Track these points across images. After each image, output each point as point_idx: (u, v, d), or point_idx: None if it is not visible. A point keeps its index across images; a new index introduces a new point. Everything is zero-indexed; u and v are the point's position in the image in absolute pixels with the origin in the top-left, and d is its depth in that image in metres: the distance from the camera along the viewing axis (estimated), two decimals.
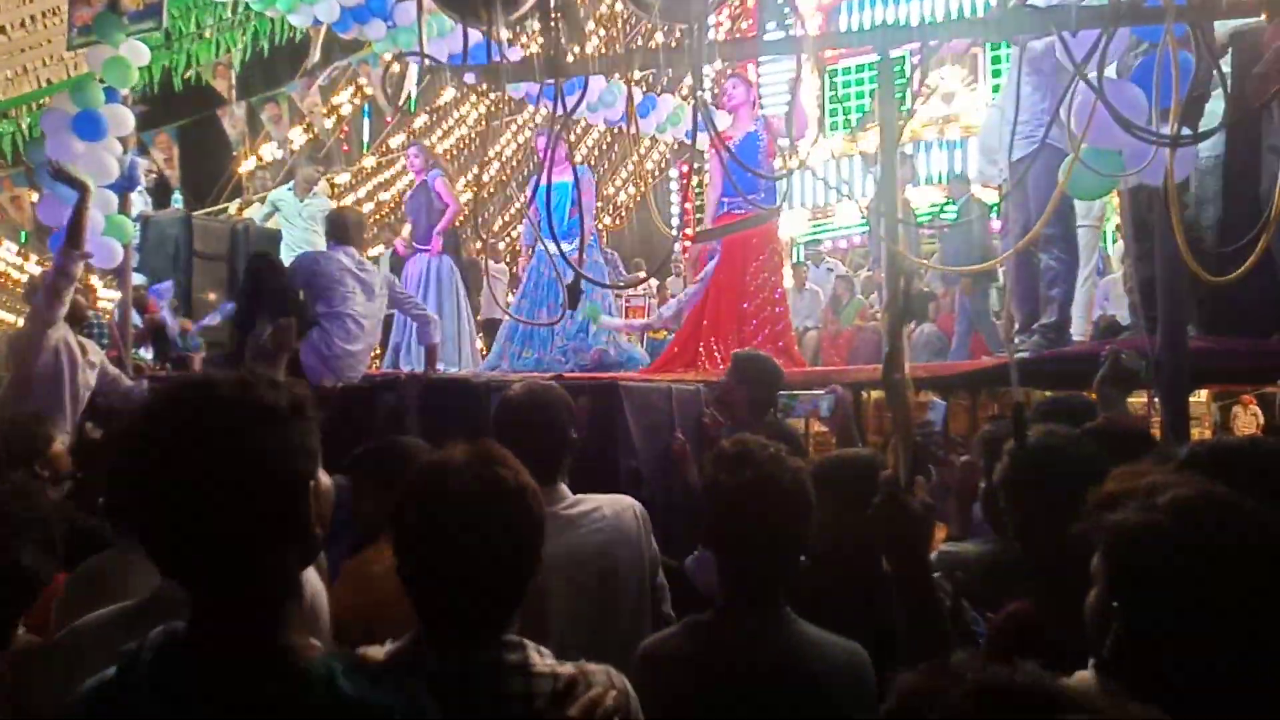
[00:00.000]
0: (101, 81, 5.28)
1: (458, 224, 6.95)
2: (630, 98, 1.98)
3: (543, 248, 5.27)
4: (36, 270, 11.40)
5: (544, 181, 1.67)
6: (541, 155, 4.03)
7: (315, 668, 0.96)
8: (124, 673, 1.04)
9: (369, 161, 13.27)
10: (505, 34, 1.62)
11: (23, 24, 8.97)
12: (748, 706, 1.52)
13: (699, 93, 1.62)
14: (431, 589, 1.30)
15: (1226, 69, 3.16)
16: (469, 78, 1.64)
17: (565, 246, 4.56)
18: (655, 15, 1.57)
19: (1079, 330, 5.32)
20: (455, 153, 13.23)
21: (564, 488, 2.05)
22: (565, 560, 1.86)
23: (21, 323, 10.07)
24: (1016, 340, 4.00)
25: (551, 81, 1.62)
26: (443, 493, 1.31)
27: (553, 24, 1.61)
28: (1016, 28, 1.70)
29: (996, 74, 9.53)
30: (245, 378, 1.03)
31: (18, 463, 2.37)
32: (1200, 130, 2.40)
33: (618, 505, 2.11)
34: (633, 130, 7.35)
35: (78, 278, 4.00)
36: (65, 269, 3.93)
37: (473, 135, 12.96)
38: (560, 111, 1.66)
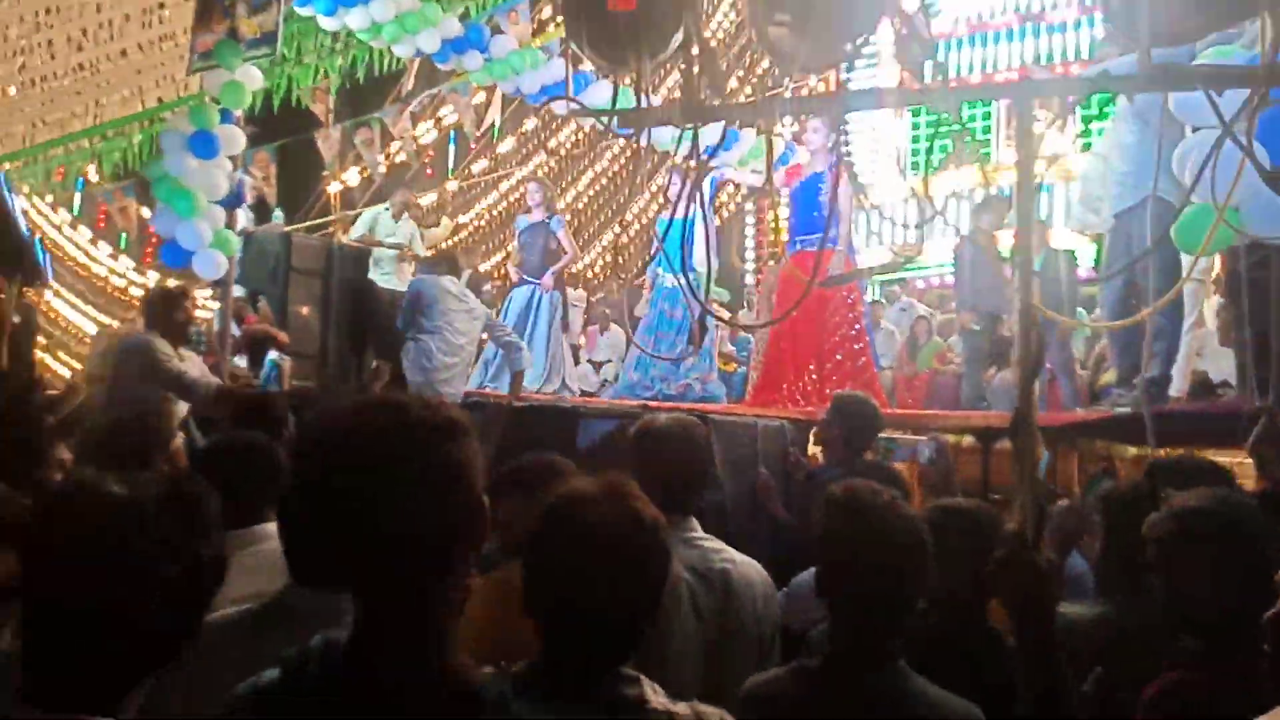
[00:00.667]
0: (216, 103, 5.56)
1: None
2: (770, 145, 2.00)
3: (665, 283, 5.40)
4: (126, 274, 11.98)
5: (679, 214, 1.70)
6: (674, 195, 4.14)
7: (487, 689, 0.98)
8: (289, 679, 1.07)
9: (451, 185, 13.62)
10: (646, 79, 1.67)
11: (140, 47, 9.46)
12: None
13: (840, 138, 1.64)
14: (561, 620, 1.31)
15: None
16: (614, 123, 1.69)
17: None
18: (796, 67, 1.60)
19: (1176, 386, 5.16)
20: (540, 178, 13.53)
21: (694, 520, 2.07)
22: (692, 581, 1.88)
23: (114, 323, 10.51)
24: (1115, 394, 3.90)
25: (690, 126, 1.67)
26: (580, 525, 1.33)
27: (694, 69, 1.65)
28: (1164, 84, 1.68)
29: (1087, 119, 9.36)
30: (426, 399, 1.07)
31: (142, 457, 2.42)
32: None
33: (742, 558, 2.12)
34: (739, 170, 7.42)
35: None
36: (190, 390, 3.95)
37: (555, 164, 13.23)
38: (695, 154, 1.70)
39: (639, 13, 1.59)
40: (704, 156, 1.66)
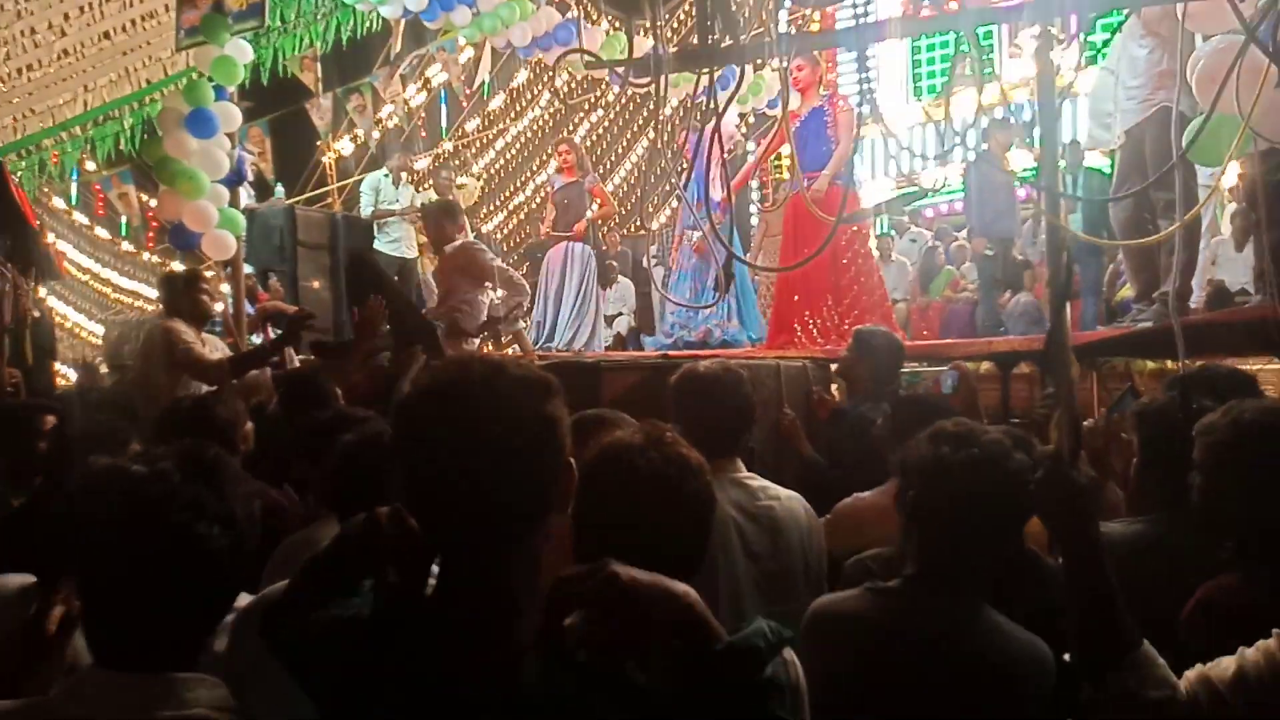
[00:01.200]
0: (209, 80, 5.50)
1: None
2: (785, 82, 1.96)
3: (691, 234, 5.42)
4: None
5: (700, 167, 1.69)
6: (689, 151, 4.12)
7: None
8: (370, 627, 1.10)
9: (447, 146, 13.49)
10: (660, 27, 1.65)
11: (123, 29, 9.33)
12: (928, 682, 1.52)
13: (864, 77, 1.63)
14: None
15: None
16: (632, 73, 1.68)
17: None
18: (807, 2, 1.58)
19: (1194, 296, 5.14)
20: (531, 135, 13.36)
21: (739, 461, 2.11)
22: (741, 521, 1.91)
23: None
24: (1135, 309, 3.89)
25: (705, 70, 1.65)
26: (627, 472, 1.34)
27: (708, 14, 1.63)
28: None
29: (1090, 30, 9.16)
30: (517, 359, 1.08)
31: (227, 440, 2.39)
32: None
33: (795, 500, 2.16)
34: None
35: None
36: (206, 371, 3.92)
37: (547, 118, 13.07)
38: (711, 97, 1.69)
39: None
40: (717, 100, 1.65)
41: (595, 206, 6.88)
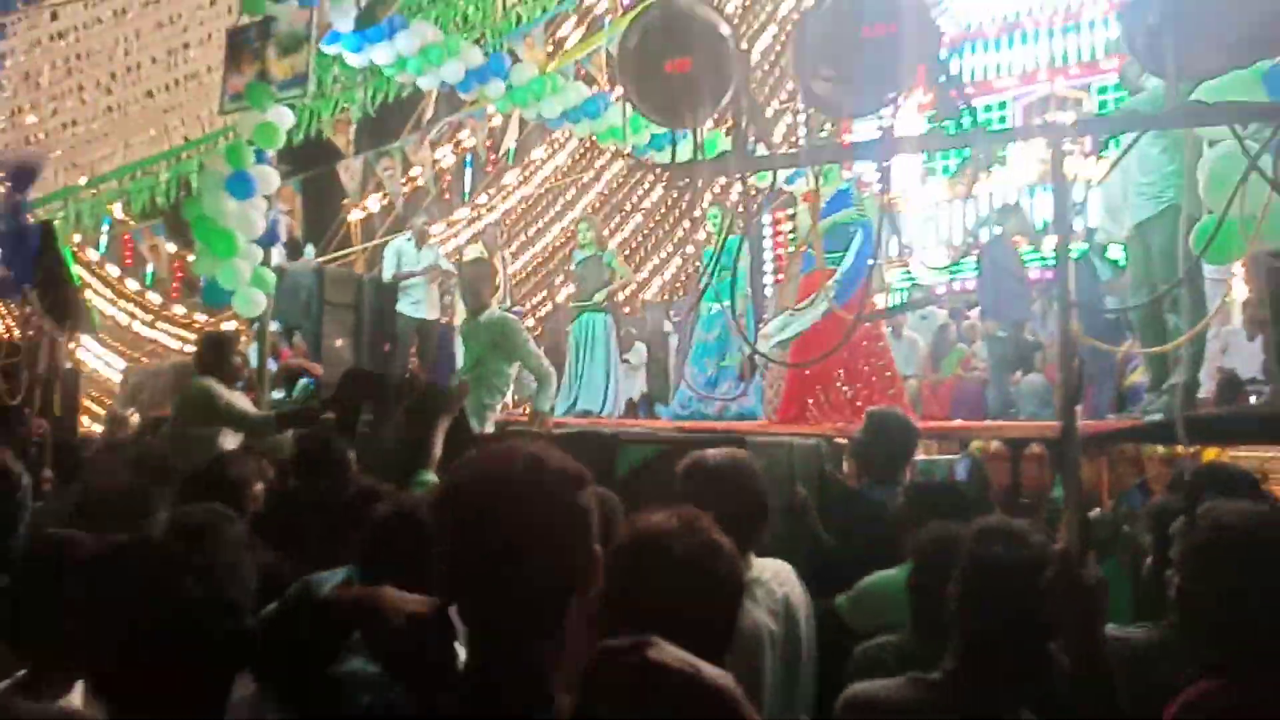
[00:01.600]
0: (250, 143, 5.71)
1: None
2: (817, 178, 2.06)
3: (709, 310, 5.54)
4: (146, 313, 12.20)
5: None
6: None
7: None
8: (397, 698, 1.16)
9: (463, 213, 13.80)
10: (704, 129, 1.77)
11: (166, 88, 9.68)
12: None
13: (883, 190, 1.74)
14: None
15: None
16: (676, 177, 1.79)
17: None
18: (842, 112, 1.70)
19: (1203, 387, 5.20)
20: (548, 204, 13.74)
21: (752, 557, 2.11)
22: (771, 625, 1.94)
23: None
24: (1146, 399, 3.96)
25: (739, 176, 1.77)
26: (663, 557, 1.39)
27: (742, 122, 1.76)
28: (1192, 120, 1.77)
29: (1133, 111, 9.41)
30: (553, 449, 1.16)
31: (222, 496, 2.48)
32: None
33: (782, 569, 2.19)
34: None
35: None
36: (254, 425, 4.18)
37: (562, 185, 13.49)
38: (744, 200, 1.79)
39: (693, 73, 1.70)
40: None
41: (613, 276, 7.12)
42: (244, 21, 5.91)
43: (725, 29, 1.71)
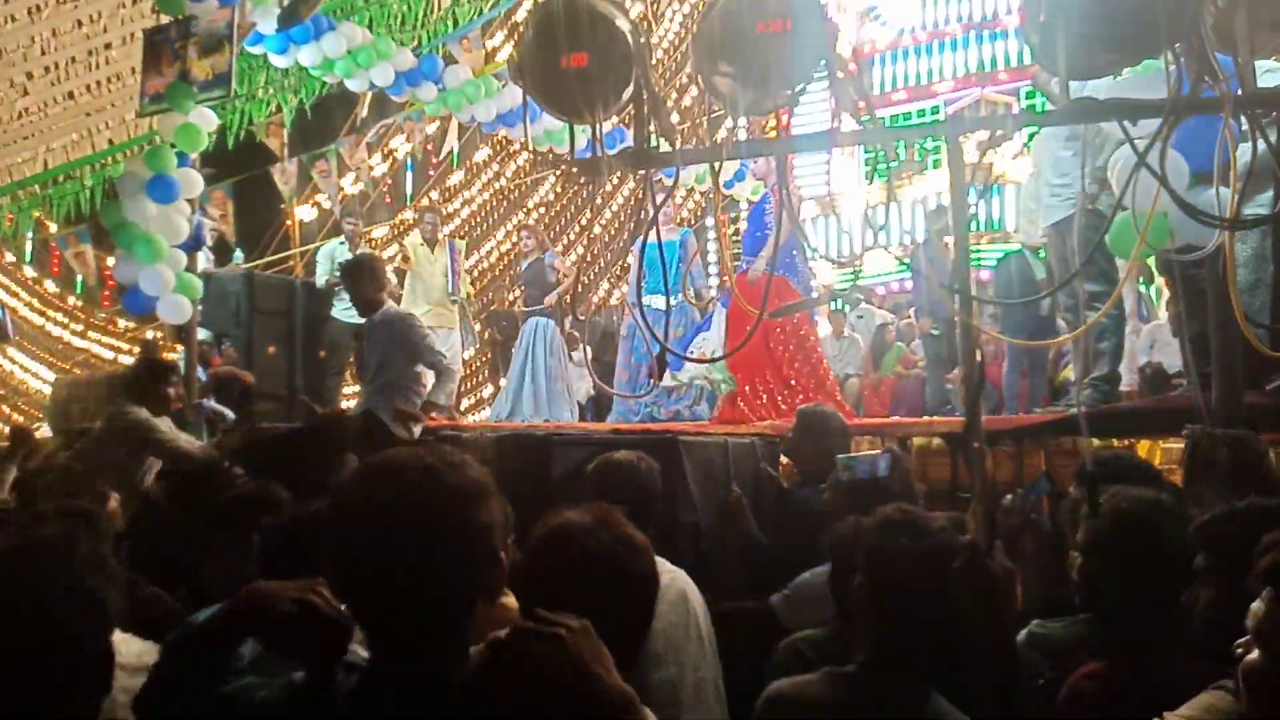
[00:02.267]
0: (171, 145, 5.55)
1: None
2: (716, 175, 2.05)
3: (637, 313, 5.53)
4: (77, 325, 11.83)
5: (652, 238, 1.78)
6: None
7: None
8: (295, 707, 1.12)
9: (408, 215, 13.63)
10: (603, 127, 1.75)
11: (88, 89, 9.39)
12: None
13: (787, 184, 1.74)
14: None
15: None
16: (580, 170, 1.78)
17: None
18: (741, 110, 1.70)
19: (1125, 379, 5.34)
20: (492, 207, 13.62)
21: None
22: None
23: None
24: (1071, 393, 4.05)
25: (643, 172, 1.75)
26: (576, 552, 1.38)
27: (645, 120, 1.74)
28: (1083, 117, 1.80)
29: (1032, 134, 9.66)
30: (453, 458, 1.13)
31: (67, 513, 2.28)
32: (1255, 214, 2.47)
33: (676, 570, 2.20)
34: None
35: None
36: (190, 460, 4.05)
37: (509, 189, 13.36)
38: (650, 196, 1.78)
39: (591, 68, 1.68)
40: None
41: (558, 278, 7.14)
42: (163, 21, 5.74)
43: (624, 24, 1.69)
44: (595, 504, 1.51)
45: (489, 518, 1.12)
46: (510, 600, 1.55)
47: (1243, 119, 1.78)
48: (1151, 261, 7.04)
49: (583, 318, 6.87)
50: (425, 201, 13.33)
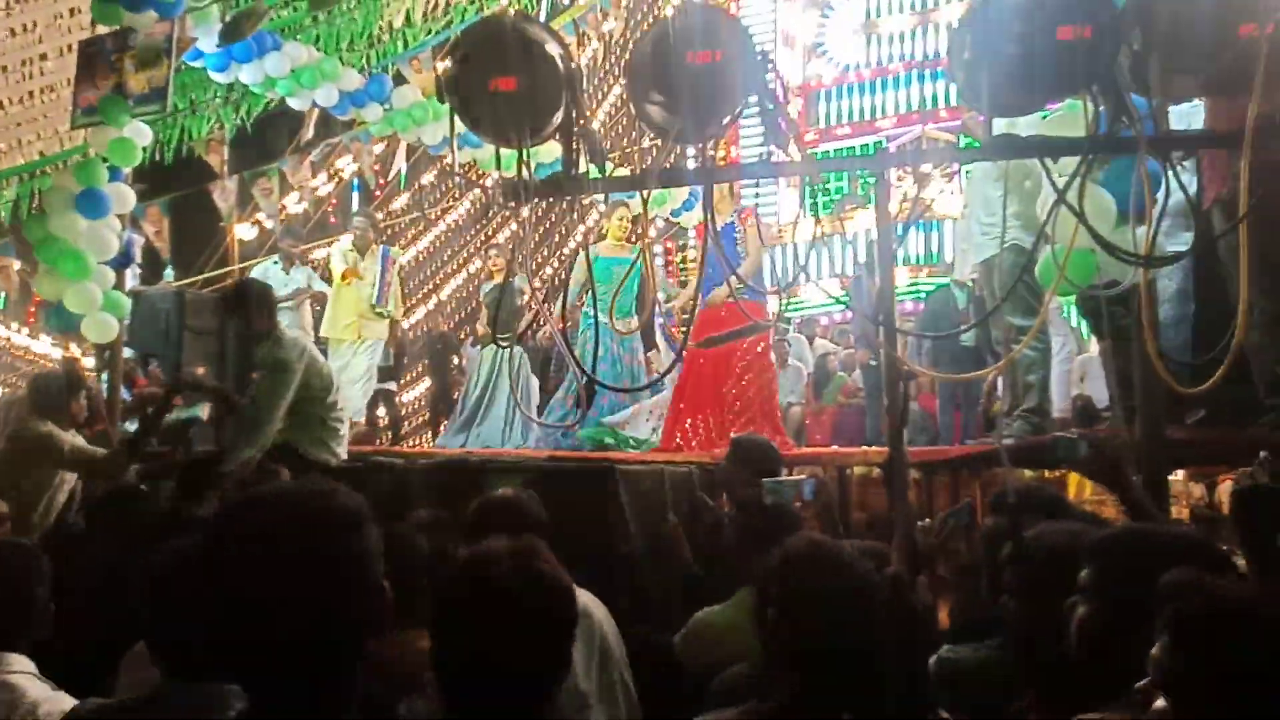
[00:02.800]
0: (104, 160, 5.39)
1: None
2: (645, 202, 2.04)
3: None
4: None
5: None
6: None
7: None
8: None
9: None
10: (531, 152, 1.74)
11: (19, 100, 9.12)
12: None
13: (709, 209, 1.74)
14: (467, 681, 1.31)
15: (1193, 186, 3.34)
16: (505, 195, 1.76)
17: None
18: (672, 139, 1.70)
19: (1058, 409, 5.47)
20: (453, 230, 13.57)
21: None
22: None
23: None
24: (1004, 424, 4.13)
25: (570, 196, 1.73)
26: (487, 585, 1.34)
27: (574, 145, 1.73)
28: (1006, 153, 1.84)
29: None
30: (320, 487, 1.08)
31: None
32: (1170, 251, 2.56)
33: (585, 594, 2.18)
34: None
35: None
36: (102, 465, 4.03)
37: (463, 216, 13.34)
38: (563, 223, 1.77)
39: (520, 93, 1.66)
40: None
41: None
42: (100, 32, 5.60)
43: (555, 48, 1.68)
44: (518, 538, 1.47)
45: (361, 545, 1.07)
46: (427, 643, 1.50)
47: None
48: (1071, 299, 7.28)
49: (516, 346, 6.76)
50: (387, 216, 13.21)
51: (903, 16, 10.61)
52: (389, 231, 13.63)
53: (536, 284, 7.52)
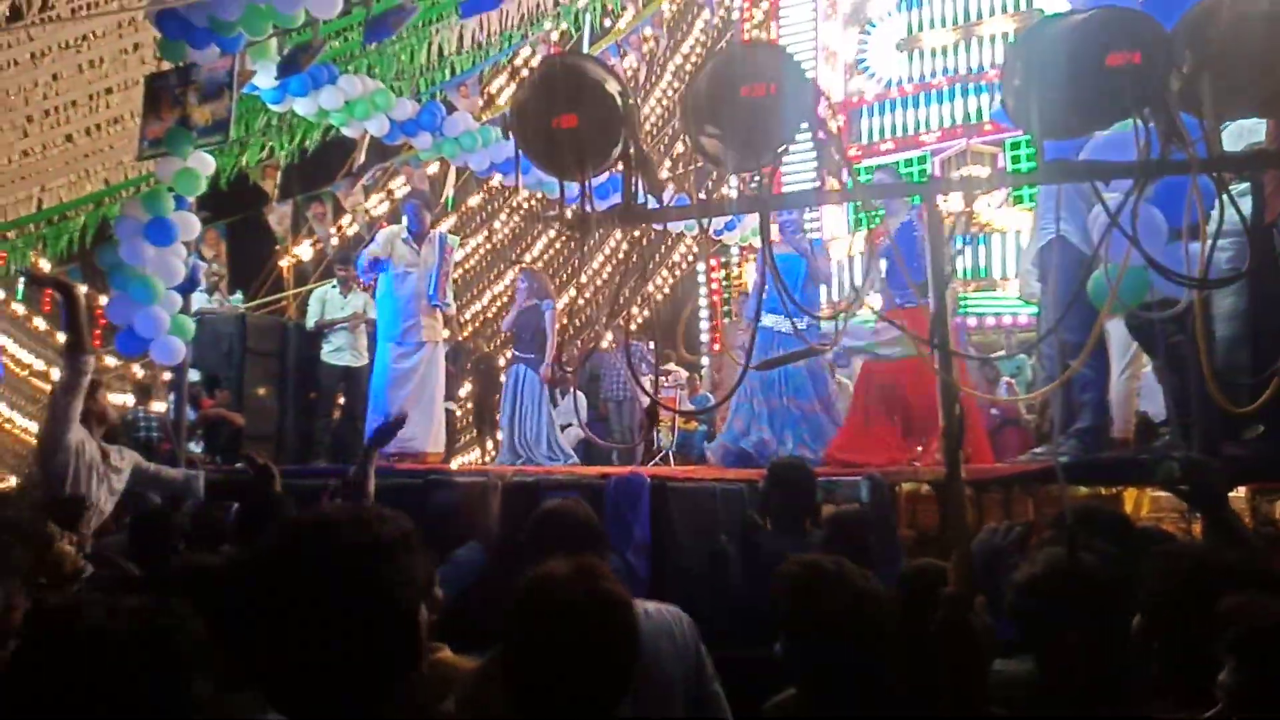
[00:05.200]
0: (170, 189, 5.61)
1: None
2: (705, 230, 2.10)
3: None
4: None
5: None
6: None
7: None
8: None
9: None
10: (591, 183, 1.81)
11: (87, 132, 9.50)
12: None
13: (765, 237, 1.79)
14: (541, 700, 1.35)
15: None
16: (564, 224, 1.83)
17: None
18: (727, 169, 1.75)
19: (1119, 428, 5.36)
20: (492, 253, 13.78)
21: None
22: None
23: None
24: (1057, 442, 4.09)
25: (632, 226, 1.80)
26: (554, 605, 1.38)
27: (633, 177, 1.80)
28: (1057, 178, 1.87)
29: (1016, 170, 9.81)
30: (363, 514, 1.10)
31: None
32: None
33: (665, 611, 2.19)
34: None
35: (88, 376, 3.88)
36: (75, 370, 3.82)
37: (507, 232, 13.50)
38: (639, 247, 1.83)
39: (581, 129, 1.74)
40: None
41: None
42: (164, 68, 5.84)
43: (614, 86, 1.76)
44: (581, 557, 1.52)
45: (395, 574, 1.07)
46: (446, 654, 1.54)
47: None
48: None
49: (570, 368, 6.79)
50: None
51: (945, 31, 10.56)
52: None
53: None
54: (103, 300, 7.30)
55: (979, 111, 10.14)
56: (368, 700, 1.05)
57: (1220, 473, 2.81)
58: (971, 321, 9.11)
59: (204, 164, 5.72)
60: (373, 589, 1.05)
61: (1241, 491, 7.03)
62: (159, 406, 6.90)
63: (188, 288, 5.67)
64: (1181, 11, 1.77)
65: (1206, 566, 1.50)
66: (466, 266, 14.02)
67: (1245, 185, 3.31)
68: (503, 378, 7.52)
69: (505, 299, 13.51)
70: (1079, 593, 1.63)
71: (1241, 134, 3.31)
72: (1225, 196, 1.77)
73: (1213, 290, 3.61)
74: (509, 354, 7.43)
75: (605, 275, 13.20)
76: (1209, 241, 1.83)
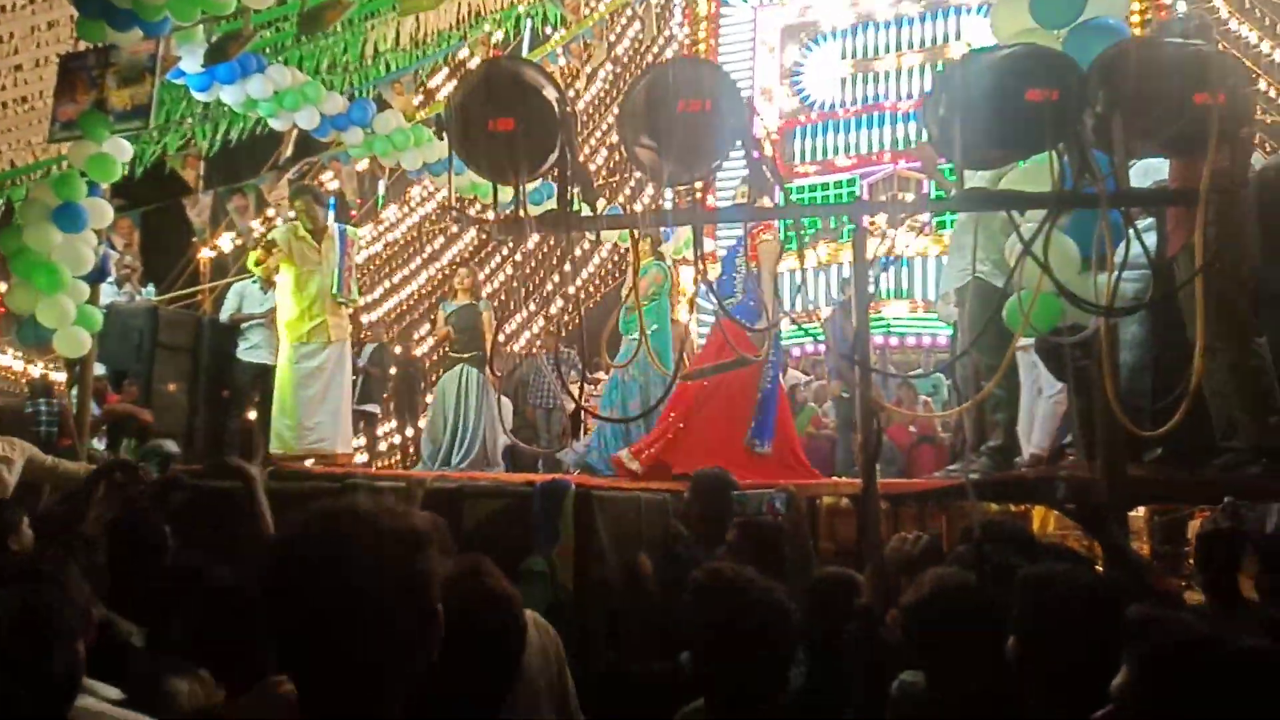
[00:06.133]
0: (82, 174, 5.37)
1: None
2: (635, 241, 2.11)
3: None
4: None
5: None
6: None
7: None
8: None
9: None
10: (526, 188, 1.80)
11: None
12: None
13: (698, 249, 1.81)
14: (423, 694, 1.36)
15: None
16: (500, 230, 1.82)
17: None
18: (663, 181, 1.77)
19: (1038, 444, 5.56)
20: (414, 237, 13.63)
21: None
22: None
23: None
24: (970, 459, 4.23)
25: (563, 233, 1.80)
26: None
27: (568, 185, 1.80)
28: (975, 205, 1.94)
29: (940, 196, 10.15)
30: (391, 507, 1.10)
31: None
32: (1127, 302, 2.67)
33: (537, 620, 2.19)
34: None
35: None
36: None
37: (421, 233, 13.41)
38: (565, 255, 1.83)
39: (517, 133, 1.73)
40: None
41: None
42: (80, 47, 5.60)
43: (551, 92, 1.76)
44: (466, 555, 1.55)
45: (426, 566, 1.09)
46: None
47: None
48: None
49: (499, 372, 6.71)
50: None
51: (889, 57, 10.91)
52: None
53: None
54: (1, 287, 6.95)
55: (906, 138, 10.47)
56: (389, 699, 1.06)
57: (1108, 492, 2.95)
58: (894, 340, 9.37)
59: (120, 150, 5.49)
60: (411, 576, 1.07)
61: (1141, 511, 7.40)
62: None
63: (97, 277, 5.43)
64: (1099, 52, 1.86)
65: (1072, 593, 1.56)
66: (378, 262, 13.78)
67: (1150, 220, 3.49)
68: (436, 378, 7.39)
69: (417, 296, 13.38)
70: (962, 611, 1.67)
71: (1148, 171, 3.50)
72: (1131, 231, 1.87)
73: (1118, 318, 3.79)
74: (441, 353, 7.27)
75: (535, 281, 13.15)
76: (1115, 273, 1.92)
